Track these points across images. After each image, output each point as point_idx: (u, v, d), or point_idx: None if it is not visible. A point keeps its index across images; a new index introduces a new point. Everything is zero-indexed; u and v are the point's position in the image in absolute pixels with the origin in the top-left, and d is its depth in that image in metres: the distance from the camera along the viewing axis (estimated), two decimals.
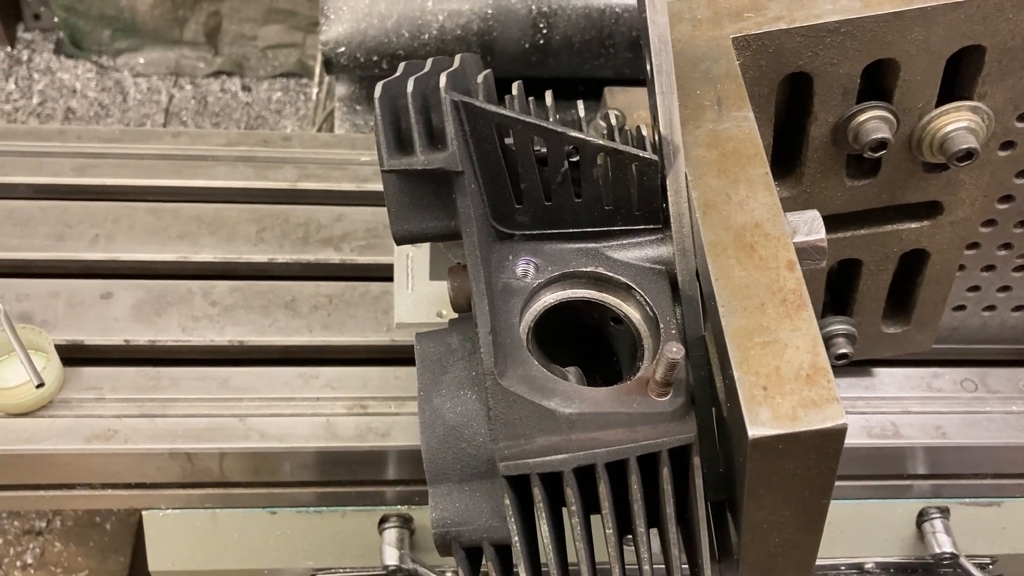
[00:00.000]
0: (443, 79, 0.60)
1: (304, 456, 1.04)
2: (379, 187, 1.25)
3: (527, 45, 1.56)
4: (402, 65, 0.68)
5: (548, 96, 0.70)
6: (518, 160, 0.65)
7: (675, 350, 0.59)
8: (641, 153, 0.64)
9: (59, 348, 1.05)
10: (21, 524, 1.76)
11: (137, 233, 1.17)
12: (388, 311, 1.14)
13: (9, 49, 2.40)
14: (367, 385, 1.09)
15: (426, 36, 1.53)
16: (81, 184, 1.20)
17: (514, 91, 0.70)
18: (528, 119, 0.62)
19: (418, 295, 1.14)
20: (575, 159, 0.67)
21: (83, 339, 1.08)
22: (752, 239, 0.63)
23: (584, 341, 0.74)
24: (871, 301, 1.00)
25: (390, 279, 1.15)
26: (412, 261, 1.17)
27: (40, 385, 1.00)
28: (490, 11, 1.54)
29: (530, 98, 0.74)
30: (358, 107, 1.68)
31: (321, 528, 1.11)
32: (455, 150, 0.60)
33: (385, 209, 1.23)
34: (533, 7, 1.55)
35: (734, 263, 0.62)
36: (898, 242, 0.94)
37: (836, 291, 1.01)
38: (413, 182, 0.64)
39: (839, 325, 0.99)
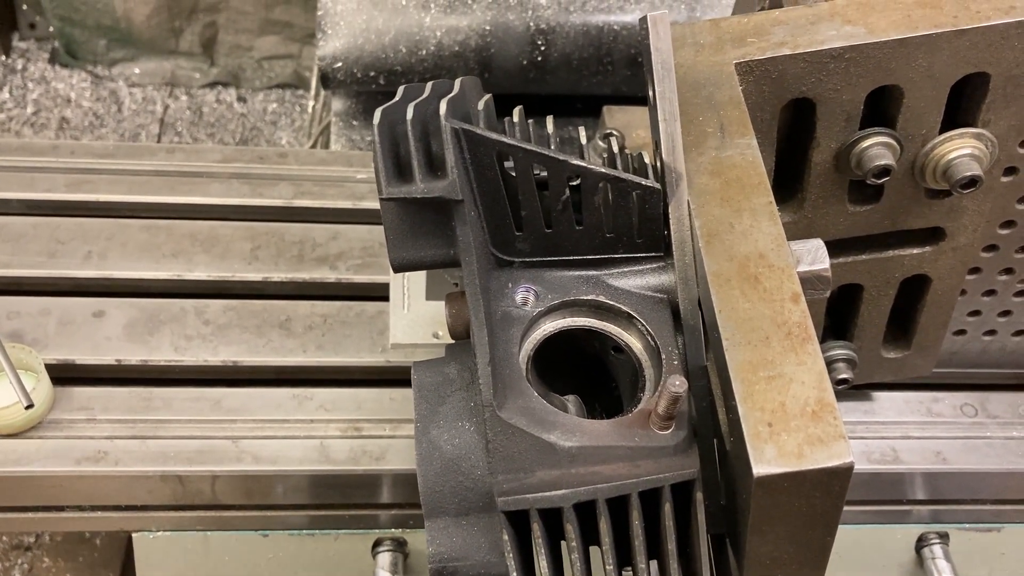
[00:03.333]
0: (443, 106, 0.59)
1: (297, 479, 1.03)
2: (375, 205, 1.23)
3: (525, 62, 1.56)
4: (401, 89, 0.67)
5: (549, 122, 0.69)
6: (519, 187, 0.64)
7: (678, 384, 0.58)
8: (643, 181, 0.63)
9: (50, 367, 1.03)
10: (10, 539, 1.74)
11: (130, 250, 1.16)
12: (384, 331, 1.13)
13: (4, 58, 2.39)
14: (362, 407, 1.07)
15: (423, 52, 1.53)
16: (74, 200, 1.19)
17: (515, 117, 0.69)
18: (530, 147, 0.61)
19: (414, 316, 1.13)
20: (575, 183, 0.66)
21: (74, 359, 1.07)
22: (756, 270, 0.62)
23: (584, 369, 0.73)
24: (872, 326, 0.99)
25: (386, 299, 1.14)
26: (408, 281, 1.16)
27: (29, 406, 0.98)
28: (488, 28, 1.53)
29: (529, 120, 0.73)
30: (354, 122, 1.67)
31: (314, 551, 1.10)
32: (455, 178, 0.59)
33: (381, 227, 1.23)
34: (531, 24, 1.54)
35: (738, 294, 0.61)
36: (900, 267, 0.93)
37: (836, 316, 1.00)
38: (412, 210, 0.63)
39: (839, 350, 0.98)
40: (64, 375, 1.06)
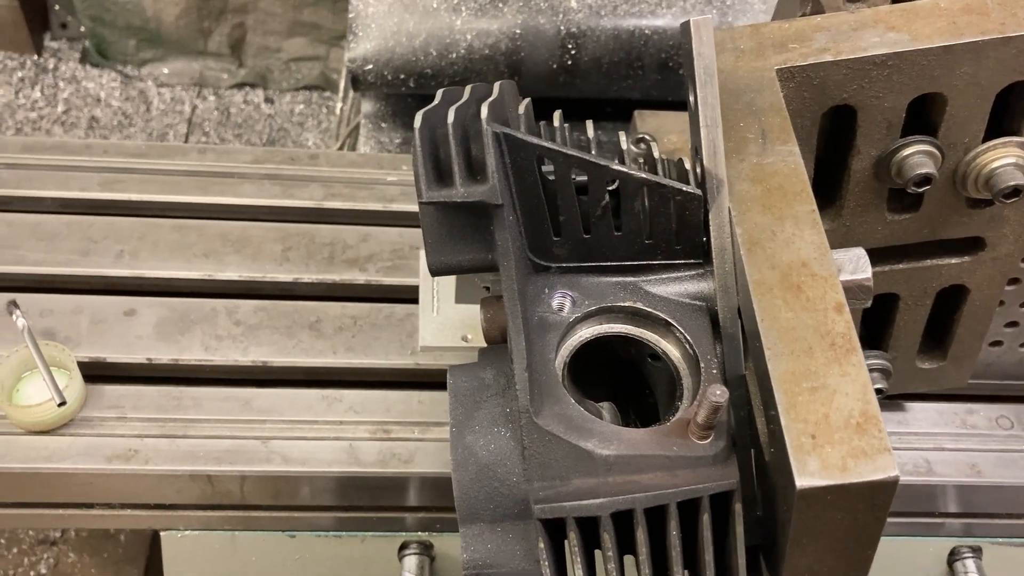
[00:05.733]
0: (484, 110, 0.59)
1: (326, 481, 1.03)
2: (405, 207, 1.24)
3: (555, 65, 1.55)
4: (440, 92, 0.67)
5: (589, 127, 0.68)
6: (558, 192, 0.63)
7: (719, 393, 0.57)
8: (684, 187, 0.63)
9: (81, 365, 1.04)
10: (36, 534, 1.75)
11: (162, 250, 1.16)
12: (413, 334, 1.12)
13: (36, 57, 2.41)
14: (390, 409, 1.07)
15: (454, 55, 1.53)
16: (107, 199, 1.20)
17: (555, 121, 0.68)
18: (571, 152, 0.60)
19: (443, 318, 1.12)
20: (612, 186, 0.65)
21: (106, 356, 1.07)
22: (799, 279, 0.61)
23: (619, 376, 0.72)
24: (907, 336, 0.98)
25: (415, 301, 1.13)
26: (438, 284, 1.15)
27: (62, 404, 0.99)
28: (519, 31, 1.53)
29: (566, 124, 0.73)
30: (383, 124, 1.68)
31: (340, 553, 1.10)
32: (495, 183, 0.59)
33: (411, 230, 1.24)
34: (562, 28, 1.54)
35: (780, 304, 0.60)
36: (937, 277, 0.92)
37: (871, 325, 0.99)
38: (451, 214, 0.63)
39: (874, 360, 0.97)
40: (95, 372, 1.06)
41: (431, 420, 1.07)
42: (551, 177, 0.65)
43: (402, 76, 1.53)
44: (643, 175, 0.62)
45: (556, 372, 0.64)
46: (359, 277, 1.17)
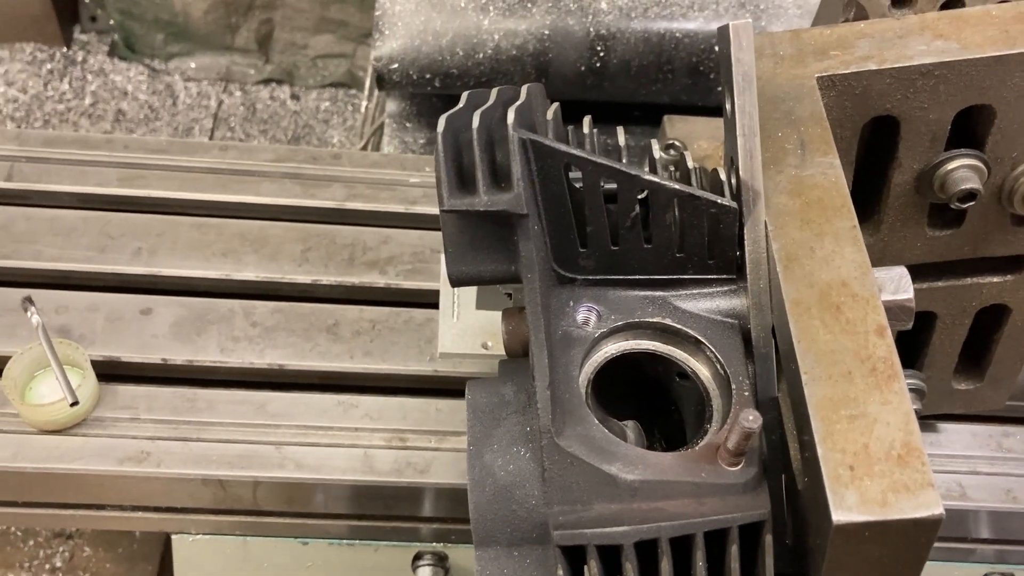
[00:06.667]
0: (511, 115, 0.56)
1: (340, 488, 1.01)
2: (427, 210, 1.22)
3: (583, 68, 1.52)
4: (465, 95, 0.64)
5: (620, 133, 0.65)
6: (586, 202, 0.60)
7: (751, 419, 0.54)
8: (720, 200, 0.60)
9: (96, 364, 1.02)
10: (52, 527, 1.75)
11: (180, 248, 1.14)
12: (432, 340, 1.10)
13: (65, 50, 2.42)
14: (407, 417, 1.05)
15: (480, 56, 1.50)
16: (125, 195, 1.18)
17: (585, 128, 0.65)
18: (601, 160, 0.58)
19: (463, 325, 1.10)
20: (641, 196, 0.62)
21: (120, 356, 1.06)
22: (838, 299, 0.58)
23: (644, 394, 0.69)
24: (943, 356, 0.94)
25: (435, 306, 1.11)
26: (458, 289, 1.13)
27: (75, 403, 0.97)
28: (547, 32, 1.51)
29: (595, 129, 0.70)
30: (408, 124, 1.65)
31: (353, 562, 1.08)
32: (521, 191, 0.56)
33: (432, 232, 1.22)
34: (591, 30, 1.51)
35: (818, 325, 0.57)
36: (977, 296, 0.88)
37: (906, 343, 0.95)
38: (473, 222, 0.60)
39: (909, 380, 0.94)
40: (109, 372, 1.04)
41: (448, 429, 1.04)
42: (578, 185, 0.62)
43: (428, 76, 1.51)
44: (676, 186, 0.59)
45: (580, 390, 0.61)
46: (379, 280, 1.15)
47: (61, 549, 1.76)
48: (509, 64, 1.51)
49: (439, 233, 1.19)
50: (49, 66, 2.40)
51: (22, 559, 1.72)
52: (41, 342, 0.98)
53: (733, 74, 0.60)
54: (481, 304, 1.10)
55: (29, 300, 1.01)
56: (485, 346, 1.09)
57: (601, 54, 1.52)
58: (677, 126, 1.28)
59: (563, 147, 0.57)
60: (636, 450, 0.58)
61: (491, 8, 1.50)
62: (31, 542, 1.75)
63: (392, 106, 1.66)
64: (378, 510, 1.04)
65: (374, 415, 1.05)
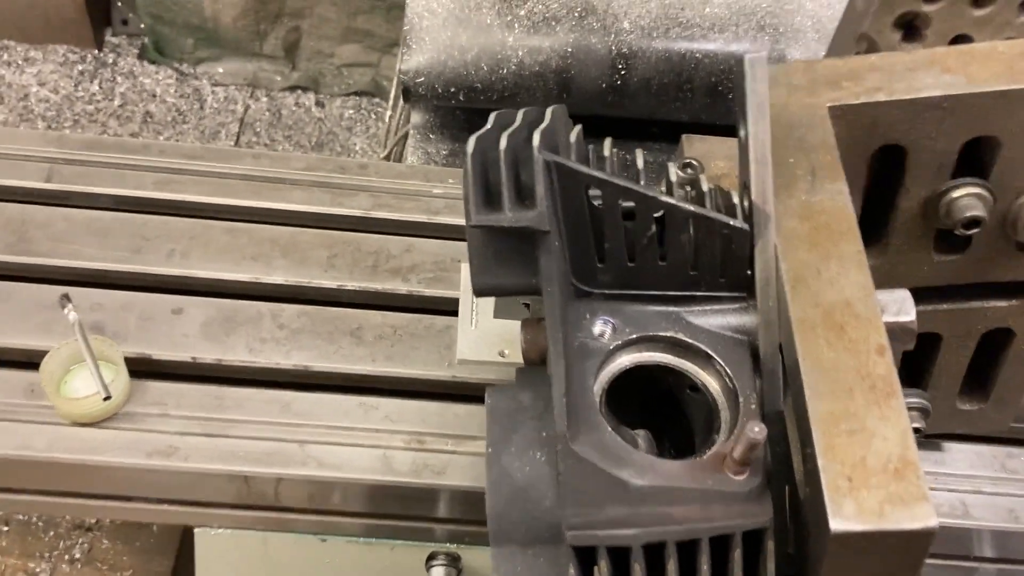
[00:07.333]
0: (536, 137, 0.60)
1: (359, 487, 1.04)
2: (449, 220, 1.26)
3: (604, 85, 1.55)
4: (492, 116, 0.68)
5: (639, 156, 0.69)
6: (605, 221, 0.64)
7: (756, 430, 0.58)
8: (732, 222, 0.63)
9: (128, 361, 1.06)
10: (72, 519, 1.78)
11: (212, 251, 1.18)
12: (451, 346, 1.13)
13: (96, 52, 2.46)
14: (426, 420, 1.08)
15: (504, 71, 1.53)
16: (161, 199, 1.22)
17: (605, 150, 0.69)
18: (620, 182, 0.61)
19: (481, 332, 1.13)
20: (657, 215, 0.66)
21: (152, 353, 1.09)
22: (842, 319, 0.61)
23: (655, 404, 0.73)
24: (948, 376, 0.96)
25: (455, 313, 1.14)
26: (477, 298, 1.16)
27: (107, 398, 1.01)
28: (570, 50, 1.53)
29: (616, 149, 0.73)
30: (431, 136, 1.69)
31: (369, 559, 1.11)
32: (544, 209, 0.60)
33: (453, 242, 1.25)
34: (613, 48, 1.54)
35: (822, 343, 0.60)
36: (982, 319, 0.90)
37: (911, 363, 0.98)
38: (498, 237, 0.63)
39: (913, 399, 0.96)
40: (141, 368, 1.08)
41: (465, 433, 1.07)
42: (597, 203, 0.65)
43: (452, 89, 1.54)
44: (691, 208, 0.62)
45: (594, 399, 0.64)
46: (401, 287, 1.18)
47: (80, 541, 1.79)
48: (532, 80, 1.54)
49: (460, 243, 1.25)
50: (80, 68, 2.45)
51: (42, 549, 1.75)
52: (77, 338, 1.02)
53: (748, 104, 0.63)
54: (499, 313, 1.13)
55: (66, 297, 1.04)
56: (502, 354, 1.12)
57: (622, 72, 1.55)
58: (695, 145, 1.30)
59: (584, 169, 0.61)
60: (646, 457, 0.62)
61: (516, 25, 1.53)
62: (51, 533, 1.78)
63: (416, 118, 1.69)
64: (395, 509, 1.07)
65: (394, 417, 1.08)
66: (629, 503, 0.60)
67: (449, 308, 1.15)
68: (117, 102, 2.42)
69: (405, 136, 1.76)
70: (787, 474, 0.66)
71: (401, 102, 1.81)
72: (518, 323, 1.14)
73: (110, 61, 2.47)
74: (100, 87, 2.43)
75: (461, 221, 1.27)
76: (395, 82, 1.92)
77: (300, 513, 1.07)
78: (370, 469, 1.03)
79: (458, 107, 1.61)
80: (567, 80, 1.54)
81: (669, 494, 0.60)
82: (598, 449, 0.61)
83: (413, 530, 1.09)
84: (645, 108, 1.59)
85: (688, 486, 0.60)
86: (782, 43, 1.57)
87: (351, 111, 2.46)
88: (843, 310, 0.62)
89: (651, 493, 0.60)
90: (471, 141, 0.62)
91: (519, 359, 1.12)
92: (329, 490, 1.05)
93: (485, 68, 1.53)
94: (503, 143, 0.60)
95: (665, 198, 0.62)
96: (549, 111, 0.67)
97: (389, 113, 2.00)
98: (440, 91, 1.54)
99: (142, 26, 2.41)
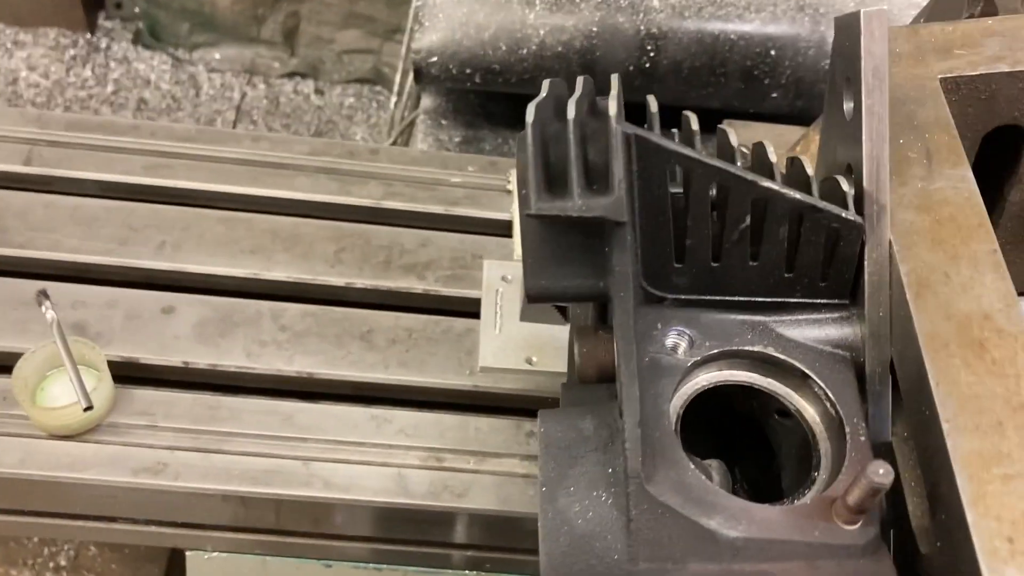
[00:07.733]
0: (612, 105, 0.48)
1: (370, 510, 0.93)
2: (468, 212, 1.16)
3: (631, 67, 1.45)
4: (546, 84, 0.56)
5: (732, 135, 0.57)
6: (691, 210, 0.52)
7: (882, 473, 0.46)
8: (843, 213, 0.52)
9: (112, 365, 0.96)
10: None
11: (206, 243, 1.08)
12: (472, 352, 1.03)
13: (89, 36, 2.40)
14: (444, 435, 0.97)
15: (524, 51, 1.43)
16: (151, 185, 1.12)
17: (693, 124, 0.57)
18: (716, 163, 0.50)
19: (506, 337, 1.03)
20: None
21: (139, 357, 0.99)
22: (981, 334, 0.50)
23: (730, 430, 0.62)
24: None
25: (476, 315, 1.05)
26: (501, 298, 1.06)
27: (88, 408, 0.91)
28: (595, 29, 1.44)
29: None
30: (443, 121, 1.58)
31: None
32: (621, 195, 0.48)
33: (474, 236, 1.14)
34: (642, 28, 1.44)
35: (959, 364, 0.49)
36: None
37: None
38: (560, 230, 0.52)
39: None
40: (127, 374, 0.98)
41: (488, 450, 0.97)
42: (674, 191, 0.54)
43: (468, 71, 1.44)
44: (797, 196, 0.51)
45: (671, 427, 0.53)
46: (416, 285, 1.08)
47: (66, 547, 1.72)
48: (554, 61, 1.44)
49: (481, 237, 1.14)
50: (72, 52, 2.37)
51: (26, 556, 1.68)
52: (55, 340, 0.93)
53: (863, 69, 0.52)
54: (526, 316, 1.03)
55: (44, 293, 0.95)
56: (529, 361, 1.02)
57: (651, 54, 1.45)
58: (737, 131, 1.20)
59: (673, 145, 0.49)
60: (739, 501, 0.50)
61: (537, 2, 1.43)
62: (35, 539, 1.71)
63: (427, 101, 1.59)
64: (409, 534, 0.97)
65: (409, 431, 0.97)
66: (719, 559, 0.49)
67: (470, 310, 1.06)
68: (110, 88, 2.34)
69: (412, 122, 1.65)
70: (893, 517, 0.55)
71: (408, 86, 1.71)
72: (546, 327, 1.06)
73: (103, 46, 2.40)
74: (92, 72, 2.36)
75: (481, 213, 1.20)
76: (401, 63, 1.83)
77: (303, 537, 0.98)
78: (382, 490, 0.93)
79: (473, 90, 1.50)
80: (591, 62, 1.44)
81: (768, 548, 0.49)
82: (679, 491, 0.50)
83: (428, 556, 0.99)
84: (674, 93, 1.48)
85: (791, 538, 0.49)
86: (823, 25, 1.47)
87: (351, 99, 2.39)
88: (981, 323, 0.50)
89: (746, 546, 0.49)
90: (530, 109, 0.50)
91: (548, 367, 1.02)
92: (336, 513, 0.94)
93: (503, 48, 1.43)
94: (571, 111, 0.49)
95: (767, 183, 0.50)
96: (615, 78, 0.55)
97: (395, 98, 1.90)
98: (454, 72, 1.44)
99: (136, 10, 2.35)
